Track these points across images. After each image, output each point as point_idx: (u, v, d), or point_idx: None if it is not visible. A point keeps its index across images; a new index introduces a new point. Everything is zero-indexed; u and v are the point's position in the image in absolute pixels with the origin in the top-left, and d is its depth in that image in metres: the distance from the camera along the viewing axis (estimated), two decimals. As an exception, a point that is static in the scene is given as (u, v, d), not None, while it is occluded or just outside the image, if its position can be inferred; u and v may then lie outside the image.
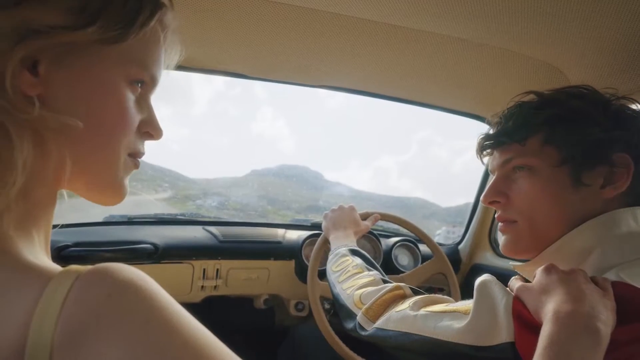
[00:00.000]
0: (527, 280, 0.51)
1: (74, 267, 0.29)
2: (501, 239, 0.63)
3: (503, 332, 0.46)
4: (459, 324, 0.50)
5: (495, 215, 0.64)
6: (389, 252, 1.36)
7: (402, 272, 1.23)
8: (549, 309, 0.42)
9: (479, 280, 0.52)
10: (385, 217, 1.23)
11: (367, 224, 1.15)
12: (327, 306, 1.27)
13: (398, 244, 1.39)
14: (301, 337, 1.22)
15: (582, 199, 0.54)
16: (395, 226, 1.42)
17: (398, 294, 0.67)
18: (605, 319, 0.40)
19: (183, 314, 0.29)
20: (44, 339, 0.26)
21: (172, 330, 0.27)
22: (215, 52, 0.96)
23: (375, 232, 1.39)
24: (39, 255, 0.33)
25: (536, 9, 0.66)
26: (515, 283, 0.50)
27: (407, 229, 1.26)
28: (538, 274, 0.48)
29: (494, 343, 0.46)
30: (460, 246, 1.53)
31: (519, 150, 0.59)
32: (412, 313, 0.58)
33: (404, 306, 0.61)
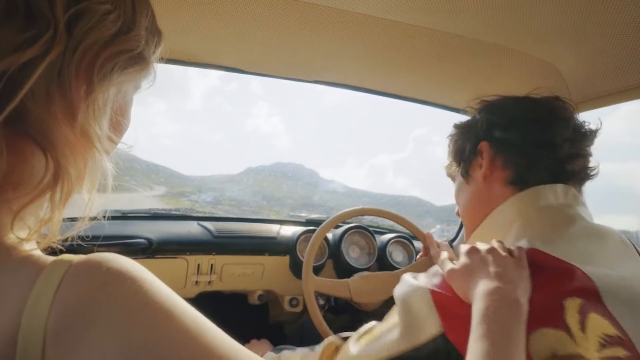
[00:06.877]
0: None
1: (67, 256, 0.29)
2: None
3: (431, 326, 0.49)
4: (395, 335, 0.52)
5: None
6: (383, 248, 1.36)
7: (397, 269, 1.23)
8: (478, 290, 0.47)
9: (395, 290, 0.56)
10: (376, 213, 1.22)
11: None
12: (321, 302, 1.27)
13: (392, 241, 1.39)
14: (311, 327, 1.19)
15: (474, 188, 0.67)
16: (390, 223, 1.42)
17: (331, 348, 0.68)
18: (523, 289, 0.46)
19: (180, 302, 0.29)
20: (36, 327, 0.25)
21: (170, 315, 0.27)
22: (212, 46, 0.95)
23: (370, 228, 1.39)
24: (31, 246, 0.33)
25: (531, 6, 0.66)
26: (445, 265, 0.54)
27: (400, 224, 1.26)
28: (461, 257, 0.53)
29: (426, 339, 0.49)
30: (454, 243, 1.54)
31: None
32: (354, 350, 0.58)
33: (344, 350, 0.61)
